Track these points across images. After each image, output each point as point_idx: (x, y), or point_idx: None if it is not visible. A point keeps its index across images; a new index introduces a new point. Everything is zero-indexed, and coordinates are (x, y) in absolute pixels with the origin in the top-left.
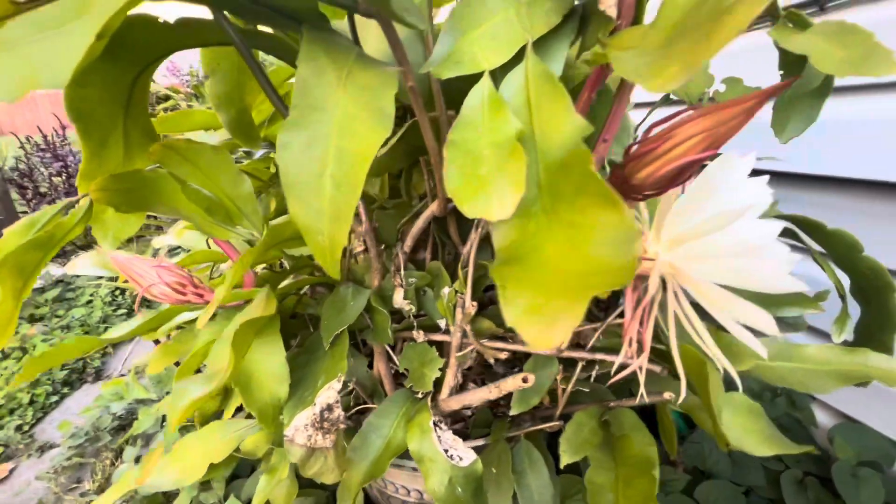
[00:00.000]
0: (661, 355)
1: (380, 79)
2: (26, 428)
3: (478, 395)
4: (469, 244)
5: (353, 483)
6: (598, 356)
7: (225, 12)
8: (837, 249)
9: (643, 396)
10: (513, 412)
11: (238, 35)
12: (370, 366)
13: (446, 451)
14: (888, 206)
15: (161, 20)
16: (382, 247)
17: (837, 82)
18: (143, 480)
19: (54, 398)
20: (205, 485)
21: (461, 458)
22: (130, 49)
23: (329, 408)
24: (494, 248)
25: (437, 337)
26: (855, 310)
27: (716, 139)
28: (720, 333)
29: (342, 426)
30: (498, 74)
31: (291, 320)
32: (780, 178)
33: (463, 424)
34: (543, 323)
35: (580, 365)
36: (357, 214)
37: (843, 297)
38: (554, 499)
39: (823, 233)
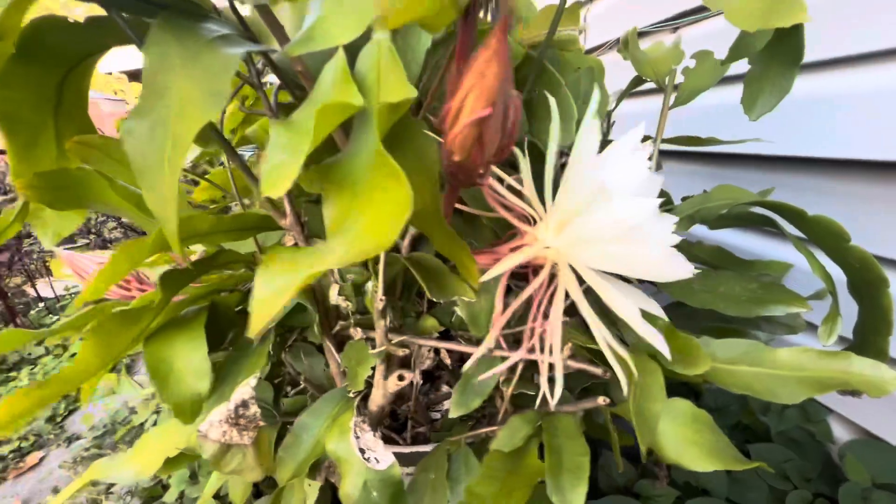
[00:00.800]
0: (599, 356)
1: (220, 61)
2: (58, 419)
3: (377, 396)
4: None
5: (281, 480)
6: (531, 356)
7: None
8: (823, 239)
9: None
10: (451, 415)
11: (134, 32)
12: (328, 364)
13: (363, 452)
14: (884, 187)
15: (71, 20)
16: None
17: (828, 54)
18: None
19: None
20: (193, 478)
21: (378, 461)
22: (47, 50)
23: (244, 404)
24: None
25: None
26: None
27: (487, 90)
28: (677, 333)
29: (261, 423)
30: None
31: (241, 315)
32: (773, 162)
33: (429, 427)
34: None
35: (520, 367)
36: (282, 208)
37: (832, 293)
38: None
39: (805, 221)
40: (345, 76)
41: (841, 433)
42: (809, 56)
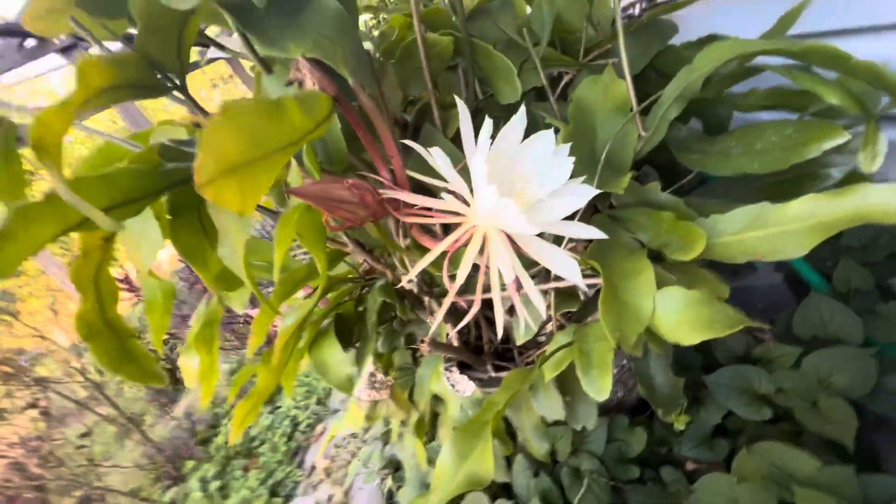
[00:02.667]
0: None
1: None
2: (322, 401)
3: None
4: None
5: (419, 413)
6: (552, 285)
7: None
8: (828, 67)
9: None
10: (518, 343)
11: None
12: None
13: (454, 386)
14: None
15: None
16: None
17: None
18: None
19: None
20: (403, 424)
21: (464, 391)
22: (183, 205)
23: (372, 374)
24: None
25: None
26: None
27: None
28: (678, 224)
29: (389, 384)
30: None
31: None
32: None
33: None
34: None
35: (552, 295)
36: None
37: (866, 112)
38: (564, 408)
39: (797, 55)
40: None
41: None
42: None
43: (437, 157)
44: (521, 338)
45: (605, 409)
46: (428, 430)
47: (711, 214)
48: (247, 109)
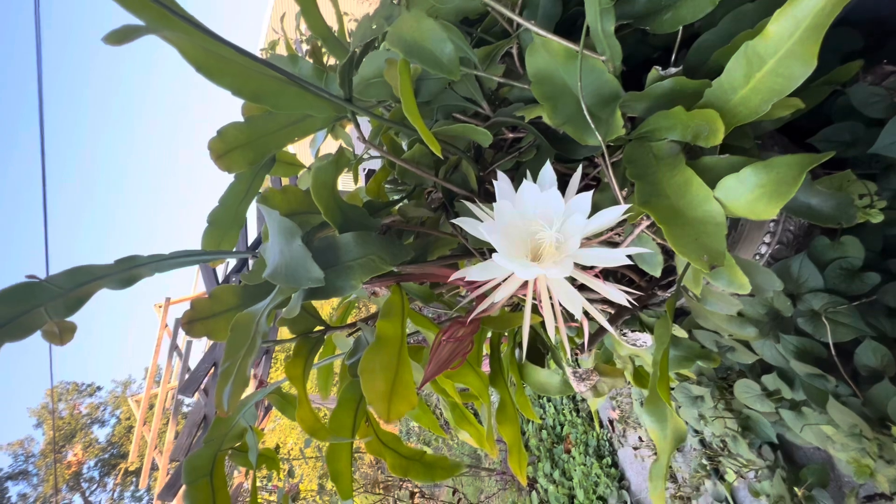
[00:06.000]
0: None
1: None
2: None
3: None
4: None
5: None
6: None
7: None
8: None
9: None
10: (657, 274)
11: None
12: None
13: (634, 343)
14: None
15: None
16: None
17: None
18: None
19: None
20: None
21: (645, 343)
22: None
23: (574, 371)
24: None
25: None
26: None
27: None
28: (691, 112)
29: (591, 369)
30: None
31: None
32: None
33: None
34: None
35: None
36: None
37: None
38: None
39: None
40: None
41: None
42: None
43: (475, 273)
44: (654, 270)
45: (799, 244)
46: None
47: (715, 79)
48: (368, 359)
